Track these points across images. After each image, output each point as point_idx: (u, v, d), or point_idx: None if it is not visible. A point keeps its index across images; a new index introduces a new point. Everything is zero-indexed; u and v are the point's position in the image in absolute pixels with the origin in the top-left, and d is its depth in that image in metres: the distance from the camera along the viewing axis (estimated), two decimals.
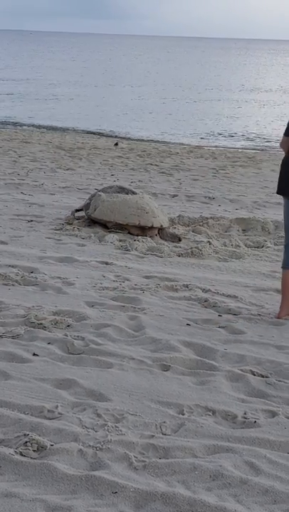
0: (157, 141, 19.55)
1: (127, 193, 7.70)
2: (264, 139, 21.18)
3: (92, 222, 7.71)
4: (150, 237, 7.44)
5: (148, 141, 19.65)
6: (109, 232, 7.50)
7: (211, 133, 22.10)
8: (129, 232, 7.50)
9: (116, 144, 16.64)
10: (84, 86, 38.48)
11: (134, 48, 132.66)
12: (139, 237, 7.35)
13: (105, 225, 7.61)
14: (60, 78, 43.08)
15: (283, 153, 5.25)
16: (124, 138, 19.73)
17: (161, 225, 7.47)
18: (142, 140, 19.80)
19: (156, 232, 7.54)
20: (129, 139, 19.77)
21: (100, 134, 20.55)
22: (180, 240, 7.44)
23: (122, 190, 7.82)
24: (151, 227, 7.45)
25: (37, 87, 36.60)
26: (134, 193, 7.79)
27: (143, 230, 7.48)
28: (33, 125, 22.11)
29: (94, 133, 20.91)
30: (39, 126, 21.76)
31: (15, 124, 22.19)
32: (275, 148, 18.26)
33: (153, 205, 7.61)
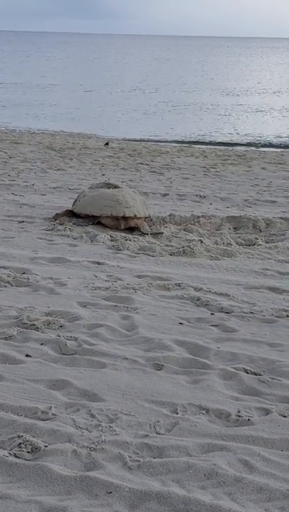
0: (148, 141, 19.54)
1: (110, 188, 7.98)
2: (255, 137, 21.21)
3: (76, 216, 7.99)
4: (128, 229, 7.67)
5: (138, 140, 19.65)
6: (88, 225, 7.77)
7: (202, 133, 22.12)
8: (103, 224, 7.73)
9: (107, 144, 16.62)
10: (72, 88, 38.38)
11: (124, 47, 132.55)
12: (128, 235, 7.41)
13: (88, 218, 7.87)
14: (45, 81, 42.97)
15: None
16: (113, 137, 19.71)
17: (135, 215, 7.64)
18: (133, 140, 19.80)
19: (136, 223, 7.72)
20: (119, 139, 19.74)
21: (90, 135, 20.52)
22: (161, 232, 7.63)
23: (106, 185, 8.11)
24: (124, 217, 7.65)
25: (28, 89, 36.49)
26: (116, 187, 8.01)
27: (118, 221, 7.69)
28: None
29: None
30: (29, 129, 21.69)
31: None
32: (265, 147, 18.32)
33: (130, 197, 7.78)
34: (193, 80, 44.12)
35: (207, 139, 20.36)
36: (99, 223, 7.77)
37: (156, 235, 7.58)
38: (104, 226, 7.71)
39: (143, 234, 7.59)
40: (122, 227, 7.67)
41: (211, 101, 32.11)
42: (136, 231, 7.68)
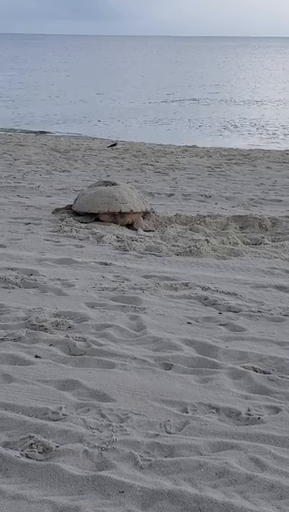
0: (152, 142, 19.56)
1: (107, 186, 8.17)
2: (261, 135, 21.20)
3: (76, 214, 8.18)
4: (126, 225, 7.88)
5: (142, 141, 19.66)
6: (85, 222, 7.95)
7: (206, 132, 22.12)
8: (102, 221, 7.94)
9: (113, 145, 16.59)
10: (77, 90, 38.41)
11: (126, 49, 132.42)
12: (136, 236, 7.47)
13: (87, 215, 8.05)
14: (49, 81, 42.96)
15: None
16: (118, 139, 19.72)
17: (131, 210, 7.84)
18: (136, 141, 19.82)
19: (133, 218, 7.91)
20: (123, 140, 19.76)
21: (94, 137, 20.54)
22: (152, 230, 7.85)
23: (104, 183, 8.31)
24: (121, 213, 7.85)
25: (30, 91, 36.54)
26: (114, 184, 8.20)
27: (115, 217, 7.90)
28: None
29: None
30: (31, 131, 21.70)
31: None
32: (270, 146, 18.30)
33: (126, 193, 7.97)
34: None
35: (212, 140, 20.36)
36: (98, 220, 7.95)
37: (148, 232, 7.77)
38: (105, 223, 7.89)
39: (135, 229, 7.82)
40: (120, 223, 7.87)
41: None
42: (131, 227, 7.89)
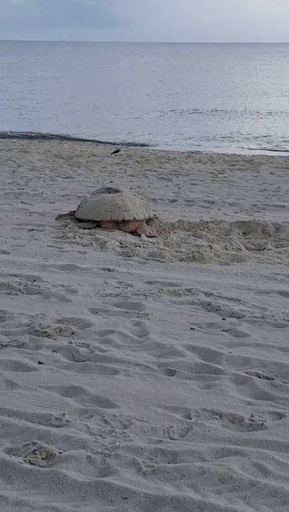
0: (155, 147, 19.61)
1: (110, 193, 8.23)
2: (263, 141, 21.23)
3: (80, 221, 8.21)
4: (130, 232, 7.91)
5: (146, 147, 19.71)
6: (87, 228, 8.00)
7: (210, 137, 22.14)
8: (103, 227, 7.96)
9: (117, 151, 16.61)
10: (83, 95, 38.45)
11: (133, 55, 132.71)
12: (139, 242, 7.48)
13: (90, 222, 8.09)
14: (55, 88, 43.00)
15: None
16: (121, 144, 19.77)
17: (134, 218, 7.87)
18: (140, 145, 19.88)
19: (136, 226, 7.95)
20: (126, 145, 19.81)
21: (98, 142, 20.59)
22: (155, 236, 7.88)
23: (106, 190, 8.37)
24: (124, 221, 7.88)
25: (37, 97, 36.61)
26: (117, 191, 8.25)
27: (118, 225, 7.94)
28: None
29: (92, 140, 20.97)
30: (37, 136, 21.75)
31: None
32: (273, 151, 18.32)
33: (129, 200, 8.00)
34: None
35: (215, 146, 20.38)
36: (100, 227, 7.98)
37: (151, 238, 7.78)
38: (108, 229, 7.91)
39: (138, 235, 7.83)
40: (123, 230, 7.90)
41: None
42: (134, 234, 7.91)
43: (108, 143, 20.27)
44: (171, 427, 3.50)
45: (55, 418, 3.56)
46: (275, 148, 19.48)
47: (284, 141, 21.05)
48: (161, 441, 3.35)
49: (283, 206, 9.77)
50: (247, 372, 4.14)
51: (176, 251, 7.16)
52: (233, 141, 21.24)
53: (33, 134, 21.97)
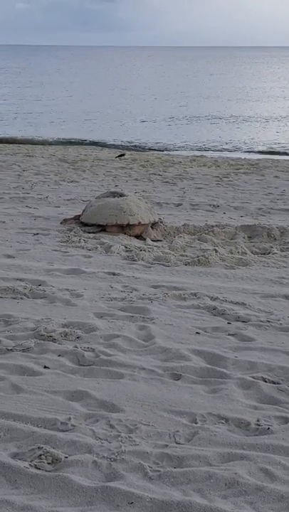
0: (160, 151, 19.62)
1: (115, 197, 8.24)
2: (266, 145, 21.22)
3: (84, 225, 8.23)
4: (135, 236, 7.92)
5: (150, 150, 19.73)
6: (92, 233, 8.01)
7: (215, 141, 22.14)
8: (108, 231, 7.97)
9: (121, 155, 16.62)
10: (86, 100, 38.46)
11: (140, 60, 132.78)
12: (144, 246, 7.48)
13: (95, 227, 8.09)
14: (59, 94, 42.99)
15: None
16: (126, 148, 19.79)
17: (139, 222, 7.87)
18: (145, 149, 19.89)
19: (141, 230, 7.95)
20: (131, 149, 19.82)
21: (103, 146, 20.61)
22: (160, 240, 7.90)
23: (111, 194, 8.40)
24: (129, 225, 7.88)
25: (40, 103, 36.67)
26: (122, 195, 8.25)
27: (123, 229, 7.94)
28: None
29: (97, 143, 20.99)
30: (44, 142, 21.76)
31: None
32: (278, 155, 18.31)
33: (134, 205, 8.00)
34: None
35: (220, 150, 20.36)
36: (105, 231, 7.98)
37: (156, 242, 7.79)
38: (113, 233, 7.92)
39: (143, 239, 7.83)
40: (128, 234, 7.90)
41: None
42: (140, 238, 7.90)
43: (113, 146, 20.29)
44: (177, 431, 3.49)
45: (61, 422, 3.55)
46: (281, 150, 19.51)
47: None
48: (167, 445, 3.34)
49: (288, 210, 9.76)
50: (253, 377, 4.13)
51: (182, 255, 7.16)
52: (238, 148, 21.14)
53: (40, 139, 21.94)
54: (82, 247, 7.44)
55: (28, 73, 68.20)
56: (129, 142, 21.49)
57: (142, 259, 6.96)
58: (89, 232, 7.98)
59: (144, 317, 5.19)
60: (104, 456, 3.22)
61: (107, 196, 8.33)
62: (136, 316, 5.21)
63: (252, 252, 7.29)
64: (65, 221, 8.55)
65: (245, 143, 21.97)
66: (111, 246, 7.38)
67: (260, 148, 20.59)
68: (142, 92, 43.97)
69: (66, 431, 3.48)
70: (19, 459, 3.19)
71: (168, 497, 2.90)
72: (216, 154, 18.75)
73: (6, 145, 19.40)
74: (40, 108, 33.19)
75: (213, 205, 10.08)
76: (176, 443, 3.38)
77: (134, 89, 47.26)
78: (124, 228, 7.93)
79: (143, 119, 28.55)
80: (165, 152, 19.36)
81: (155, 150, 19.87)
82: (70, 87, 48.03)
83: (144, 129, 25.38)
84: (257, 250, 7.39)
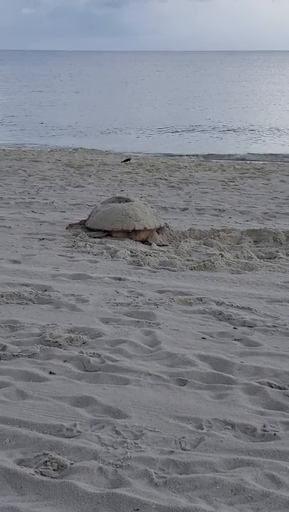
0: (165, 155, 19.62)
1: (121, 202, 8.25)
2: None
3: (90, 230, 8.23)
4: (141, 241, 7.93)
5: (156, 155, 19.73)
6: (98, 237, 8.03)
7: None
8: (113, 237, 7.99)
9: (127, 160, 16.62)
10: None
11: (147, 65, 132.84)
12: (150, 250, 7.48)
13: (101, 232, 8.11)
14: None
15: None
16: (131, 153, 19.79)
17: (145, 227, 7.90)
18: (150, 154, 19.90)
19: (147, 235, 7.97)
20: (136, 154, 19.83)
21: (108, 151, 20.61)
22: (166, 245, 7.91)
23: (117, 199, 8.41)
24: (135, 230, 7.90)
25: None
26: (128, 201, 8.26)
27: (128, 234, 7.96)
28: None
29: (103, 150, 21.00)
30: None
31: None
32: (284, 159, 18.28)
33: (140, 210, 8.02)
34: None
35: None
36: (111, 236, 8.00)
37: (162, 246, 7.80)
38: (119, 237, 7.94)
39: (149, 244, 7.85)
40: (134, 239, 7.91)
41: None
42: (145, 243, 7.91)
43: (119, 152, 20.29)
44: (183, 437, 3.47)
45: (67, 429, 3.54)
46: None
47: None
48: (173, 451, 3.33)
49: None
50: (259, 382, 4.12)
51: (187, 260, 7.14)
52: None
53: (47, 147, 21.87)
54: (88, 252, 7.43)
55: (36, 79, 68.16)
56: (133, 150, 21.33)
57: (148, 264, 6.95)
58: (95, 237, 7.98)
59: (149, 322, 5.18)
60: (109, 463, 3.21)
61: (113, 201, 8.34)
62: (142, 322, 5.20)
63: (258, 257, 7.27)
64: (70, 226, 8.56)
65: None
66: (117, 251, 7.38)
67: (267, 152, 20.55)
68: (153, 99, 43.67)
69: (72, 437, 3.47)
70: (25, 466, 3.19)
71: (174, 504, 2.88)
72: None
73: (12, 150, 19.44)
74: (46, 113, 33.16)
75: (219, 210, 10.07)
76: (182, 449, 3.37)
77: (143, 95, 47.02)
78: (129, 233, 7.94)
79: (149, 127, 28.34)
80: (170, 157, 19.34)
81: (158, 155, 19.83)
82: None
83: (149, 138, 25.15)
84: (263, 255, 7.37)
